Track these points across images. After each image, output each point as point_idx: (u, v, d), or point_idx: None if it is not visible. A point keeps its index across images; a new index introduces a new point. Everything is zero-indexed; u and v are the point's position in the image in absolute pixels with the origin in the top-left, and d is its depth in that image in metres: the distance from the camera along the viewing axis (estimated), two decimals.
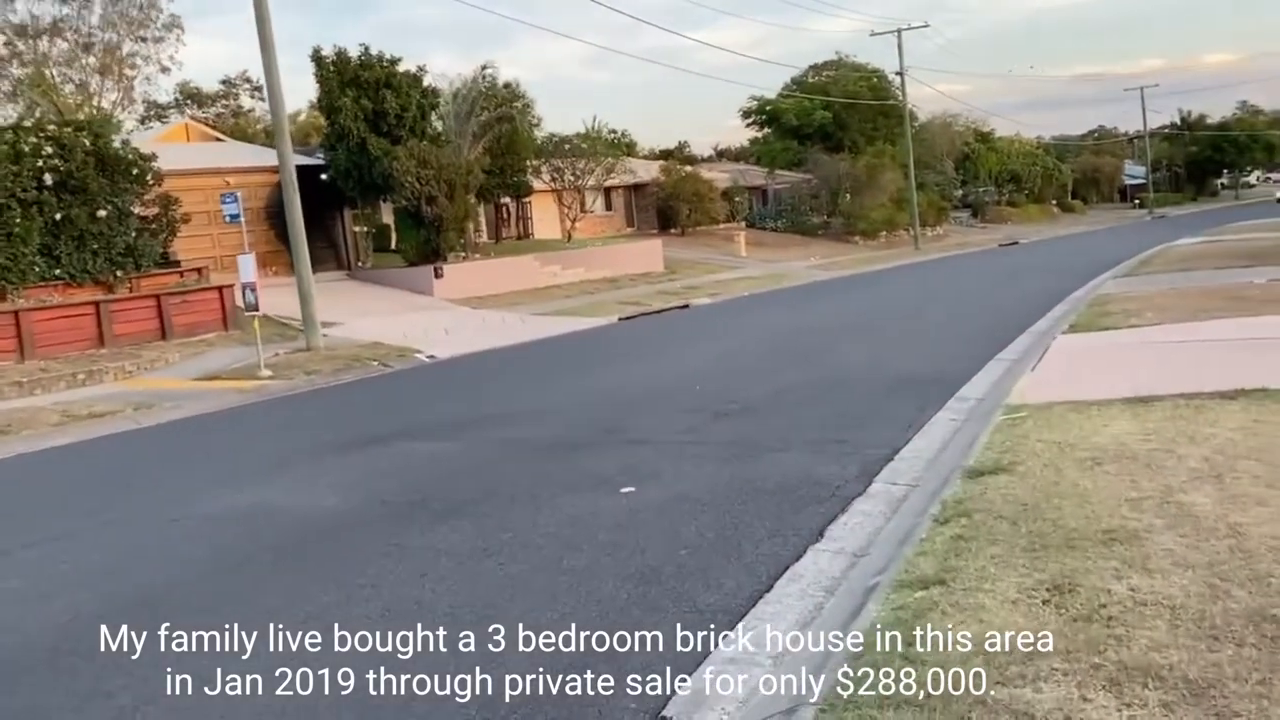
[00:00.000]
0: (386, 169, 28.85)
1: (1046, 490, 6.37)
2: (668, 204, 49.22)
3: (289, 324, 23.67)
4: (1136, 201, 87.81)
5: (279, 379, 17.56)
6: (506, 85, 37.53)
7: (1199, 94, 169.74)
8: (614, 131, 70.09)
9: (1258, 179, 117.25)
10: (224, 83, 64.18)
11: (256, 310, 17.80)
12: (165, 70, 65.32)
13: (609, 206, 52.24)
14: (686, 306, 28.63)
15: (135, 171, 21.33)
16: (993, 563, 5.14)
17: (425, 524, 7.21)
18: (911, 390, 11.35)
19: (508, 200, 42.67)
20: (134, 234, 21.45)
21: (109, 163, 21.00)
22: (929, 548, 5.52)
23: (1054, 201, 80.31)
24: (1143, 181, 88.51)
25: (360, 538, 7.01)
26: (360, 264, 32.42)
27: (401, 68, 30.66)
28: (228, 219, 17.89)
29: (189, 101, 64.22)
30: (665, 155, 69.06)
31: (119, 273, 21.30)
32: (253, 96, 65.56)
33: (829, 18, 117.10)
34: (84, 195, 20.48)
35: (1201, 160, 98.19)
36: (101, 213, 20.55)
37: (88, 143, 20.64)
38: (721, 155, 76.41)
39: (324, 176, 30.83)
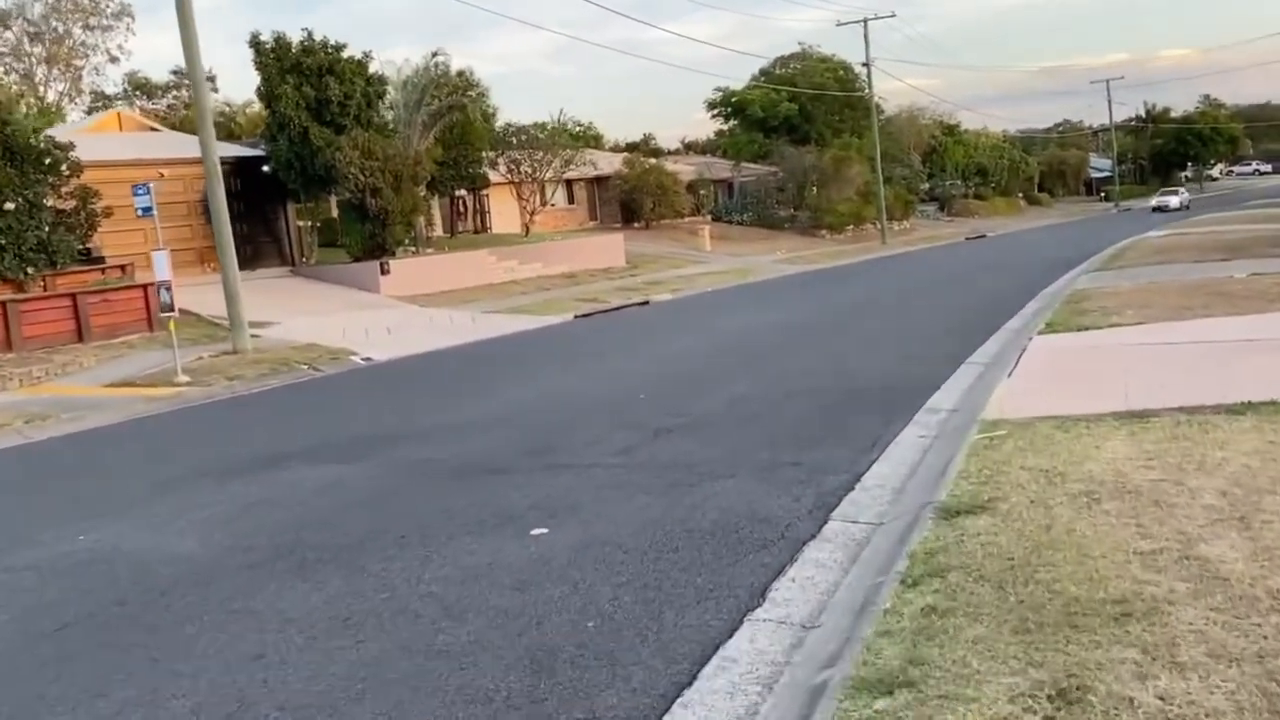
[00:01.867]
0: (329, 160, 27.42)
1: (1037, 538, 5.22)
2: (631, 197, 47.99)
3: (220, 324, 22.24)
4: (1103, 194, 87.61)
5: (196, 385, 16.18)
6: (460, 74, 36.18)
7: (1162, 87, 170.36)
8: (579, 124, 68.98)
9: (1221, 172, 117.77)
10: (175, 73, 62.09)
11: (172, 311, 16.42)
12: (114, 60, 62.81)
13: (571, 199, 50.91)
14: (646, 303, 27.47)
15: (49, 162, 19.79)
16: (975, 651, 3.97)
17: (288, 577, 5.97)
18: (876, 400, 10.22)
19: (464, 193, 41.28)
20: (47, 229, 19.92)
21: (19, 152, 19.47)
22: (894, 624, 4.34)
23: (1021, 194, 79.83)
24: (1108, 174, 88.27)
25: (204, 597, 5.75)
26: (304, 260, 30.94)
27: (347, 54, 29.23)
28: (140, 212, 16.46)
29: (138, 92, 62.24)
30: (631, 148, 67.81)
31: (30, 270, 19.78)
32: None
33: (800, 7, 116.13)
34: None
35: (1166, 153, 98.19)
36: (9, 205, 19.03)
37: None
38: (689, 148, 75.10)
39: (266, 168, 29.38)
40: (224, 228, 18.96)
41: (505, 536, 6.44)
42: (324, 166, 27.66)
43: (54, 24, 56.52)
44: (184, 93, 62.07)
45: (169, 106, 62.75)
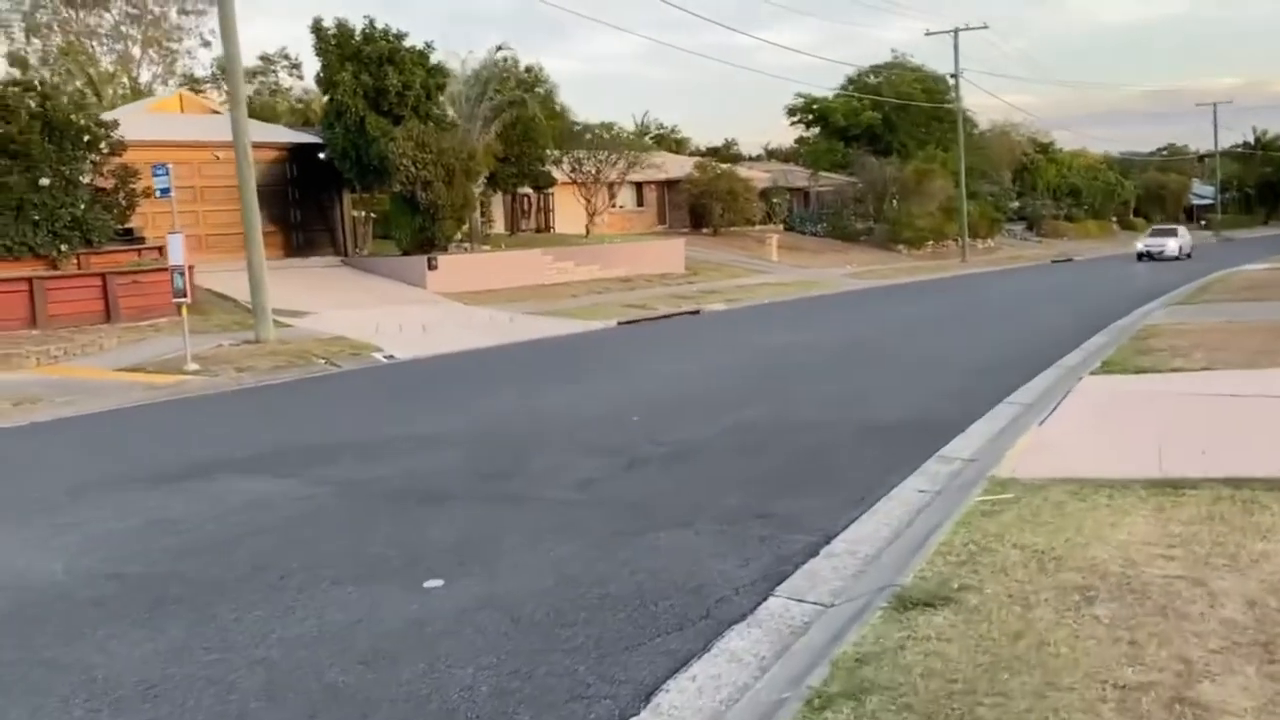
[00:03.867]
0: (383, 150, 26.98)
1: (998, 651, 4.15)
2: (700, 202, 46.98)
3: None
4: (1203, 222, 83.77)
5: (204, 375, 15.69)
6: (528, 69, 35.59)
7: (1275, 113, 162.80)
8: (663, 126, 68.19)
9: None
10: (262, 59, 62.70)
11: (185, 297, 15.96)
12: (206, 44, 64.03)
13: (640, 202, 50.12)
14: (697, 312, 26.51)
15: (87, 139, 19.54)
16: None
17: (129, 621, 5.16)
18: (889, 439, 9.13)
19: (529, 191, 40.74)
20: (83, 206, 19.68)
21: (58, 127, 19.25)
22: None
23: (1114, 218, 76.75)
24: (1210, 202, 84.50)
25: (22, 639, 4.97)
26: (357, 250, 30.59)
27: (409, 44, 28.81)
28: (158, 193, 16.03)
29: (225, 75, 63.02)
30: (712, 152, 66.82)
31: (64, 247, 19.55)
32: (290, 74, 64.18)
33: (896, 17, 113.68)
34: (26, 160, 18.74)
35: (1275, 182, 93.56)
36: (44, 181, 18.81)
37: (33, 104, 18.90)
38: (772, 155, 73.72)
39: (322, 156, 29.08)
40: (252, 214, 18.47)
41: (395, 586, 5.56)
42: (378, 156, 27.24)
43: (151, 7, 57.65)
44: (270, 77, 62.72)
45: (255, 91, 63.42)
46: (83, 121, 19.70)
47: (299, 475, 8.34)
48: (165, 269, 20.78)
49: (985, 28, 49.15)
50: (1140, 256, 44.37)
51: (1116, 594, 4.77)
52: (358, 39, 28.20)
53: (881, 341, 18.15)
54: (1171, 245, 44.22)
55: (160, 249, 22.25)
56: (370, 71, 27.79)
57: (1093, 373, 12.05)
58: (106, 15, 56.76)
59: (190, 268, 21.76)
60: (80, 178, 19.67)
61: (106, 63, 56.68)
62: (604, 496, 7.40)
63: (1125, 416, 9.16)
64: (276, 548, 6.35)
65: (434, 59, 29.53)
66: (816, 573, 5.70)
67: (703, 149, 67.42)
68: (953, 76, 52.04)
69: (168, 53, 58.16)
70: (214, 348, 18.07)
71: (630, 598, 5.29)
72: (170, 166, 15.97)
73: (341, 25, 28.21)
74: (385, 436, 10.08)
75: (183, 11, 57.98)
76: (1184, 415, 9.00)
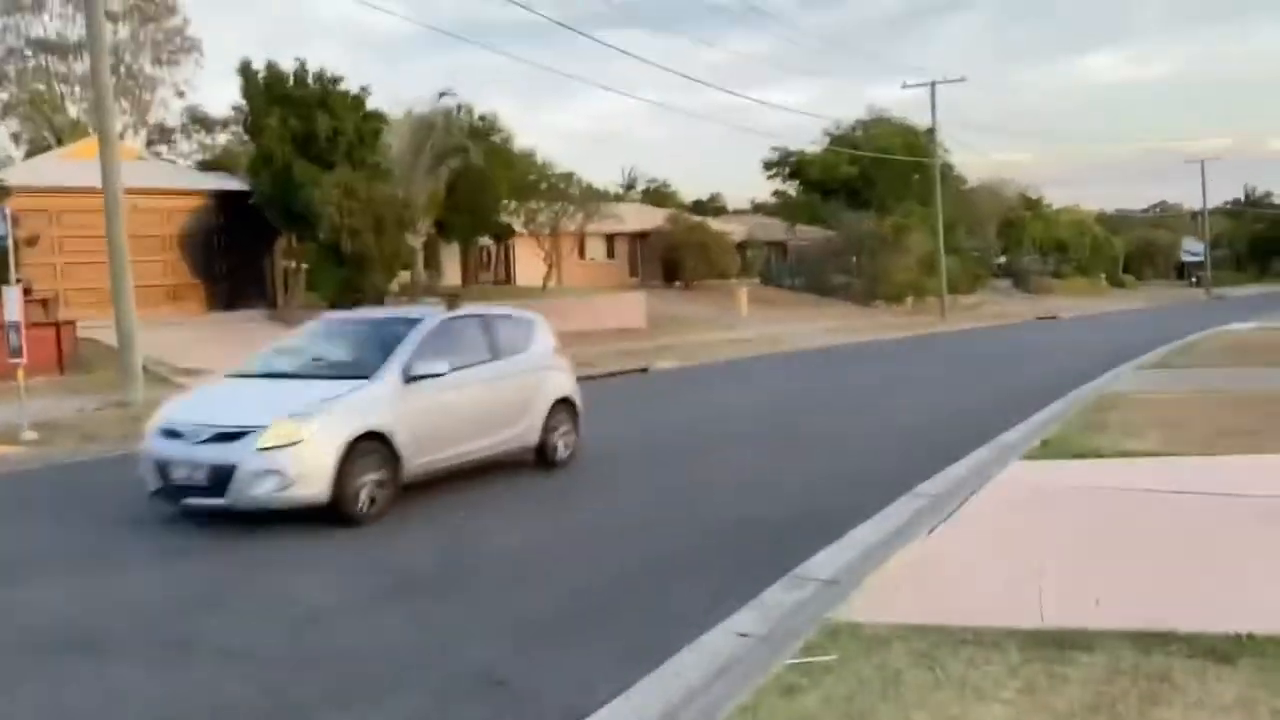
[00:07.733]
0: (310, 198, 25.38)
1: None
2: (672, 255, 45.50)
3: (155, 371, 20.26)
4: (1194, 279, 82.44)
5: (41, 445, 13.87)
6: (481, 117, 34.18)
7: (1267, 171, 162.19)
8: (653, 181, 66.98)
9: None
10: (236, 109, 61.40)
11: (20, 358, 14.16)
12: (181, 94, 63.01)
13: (611, 254, 48.67)
14: (645, 371, 24.80)
15: None
16: None
17: None
18: (750, 547, 7.36)
19: (489, 243, 39.25)
20: None
21: None
22: None
23: (1103, 275, 75.35)
24: (1201, 259, 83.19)
25: None
26: (288, 303, 28.87)
27: (343, 88, 27.36)
28: None
29: (195, 125, 61.84)
30: (697, 205, 65.69)
31: None
32: None
33: (892, 73, 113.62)
34: None
35: (1266, 239, 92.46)
36: None
37: None
38: (759, 209, 72.55)
39: (252, 203, 27.51)
40: (121, 266, 16.77)
41: None
42: (305, 204, 25.63)
43: (125, 56, 56.48)
44: (241, 127, 61.31)
45: (229, 140, 62.17)
46: None
47: None
48: (43, 325, 19.12)
49: (963, 80, 47.78)
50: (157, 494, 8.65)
51: None
52: (289, 83, 26.76)
53: (810, 409, 16.37)
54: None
55: (44, 302, 20.59)
56: (300, 116, 26.29)
57: (1025, 455, 10.26)
58: (79, 64, 55.70)
59: (71, 323, 20.22)
60: None
61: (77, 111, 55.39)
62: (312, 648, 5.54)
63: (1041, 521, 7.31)
64: None
65: (371, 105, 28.09)
66: None
67: (689, 203, 66.23)
68: (930, 131, 50.81)
69: (140, 103, 56.93)
70: (75, 412, 16.28)
71: None
72: (9, 212, 14.28)
73: (272, 67, 26.79)
74: (130, 543, 8.22)
75: (156, 62, 56.88)
76: (1112, 522, 7.15)
